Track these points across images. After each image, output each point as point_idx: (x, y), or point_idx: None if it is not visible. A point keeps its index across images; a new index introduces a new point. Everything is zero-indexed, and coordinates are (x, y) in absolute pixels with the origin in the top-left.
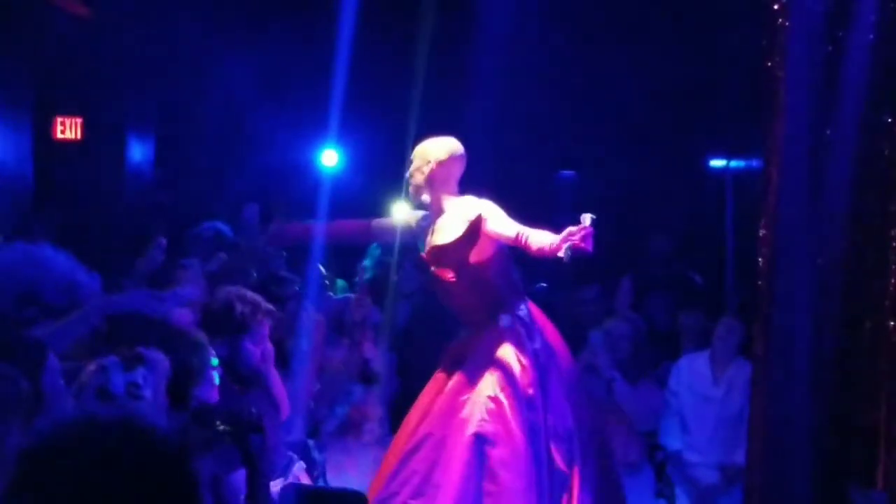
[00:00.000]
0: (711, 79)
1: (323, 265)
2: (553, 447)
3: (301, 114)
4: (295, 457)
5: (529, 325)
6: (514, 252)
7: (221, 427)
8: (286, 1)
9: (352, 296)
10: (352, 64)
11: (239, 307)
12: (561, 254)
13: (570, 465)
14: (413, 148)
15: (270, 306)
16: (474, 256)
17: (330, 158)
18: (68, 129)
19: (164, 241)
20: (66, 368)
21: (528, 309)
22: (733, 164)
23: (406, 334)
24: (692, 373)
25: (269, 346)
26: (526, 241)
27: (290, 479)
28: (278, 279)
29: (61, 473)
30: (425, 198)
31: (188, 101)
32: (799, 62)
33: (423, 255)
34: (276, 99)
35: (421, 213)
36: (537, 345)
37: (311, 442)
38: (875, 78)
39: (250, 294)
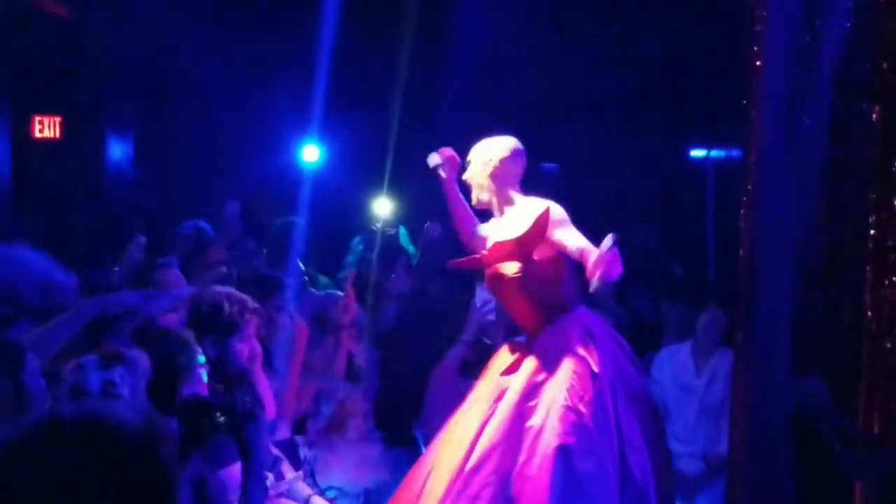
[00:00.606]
0: (691, 69)
1: (304, 262)
2: (630, 458)
3: (282, 110)
4: (281, 456)
5: (597, 332)
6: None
7: (221, 418)
8: None
9: (336, 293)
10: (332, 60)
11: (227, 307)
12: (591, 289)
13: (644, 476)
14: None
15: (256, 304)
16: (538, 254)
17: (311, 154)
18: (47, 128)
19: (143, 239)
20: (55, 369)
21: (592, 315)
22: (713, 154)
23: (392, 332)
24: (675, 363)
25: (258, 346)
26: (585, 259)
27: (277, 478)
28: (260, 277)
29: (26, 475)
30: (484, 196)
31: (167, 99)
32: (777, 51)
33: (483, 254)
34: (257, 96)
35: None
36: (605, 353)
37: (298, 440)
38: (853, 65)
39: (237, 293)
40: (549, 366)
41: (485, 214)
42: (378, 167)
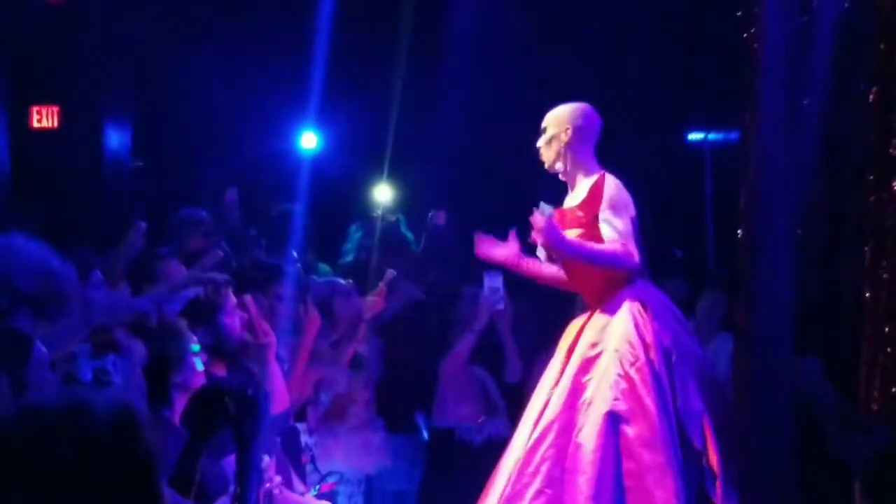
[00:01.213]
0: (689, 51)
1: (303, 249)
2: (688, 426)
3: (280, 97)
4: (277, 440)
5: (652, 305)
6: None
7: (231, 406)
8: None
9: (339, 280)
10: (331, 46)
11: (202, 291)
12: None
13: (703, 443)
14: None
15: (225, 276)
16: (595, 230)
17: (309, 141)
18: (45, 117)
19: (144, 225)
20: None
21: (651, 288)
22: (712, 136)
23: (393, 320)
24: None
25: (272, 338)
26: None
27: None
28: (259, 265)
29: (3, 463)
30: (559, 166)
31: (165, 88)
32: (775, 33)
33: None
34: (255, 83)
35: None
36: (661, 325)
37: (299, 426)
38: (850, 46)
39: (204, 275)
40: (602, 340)
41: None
42: (377, 154)
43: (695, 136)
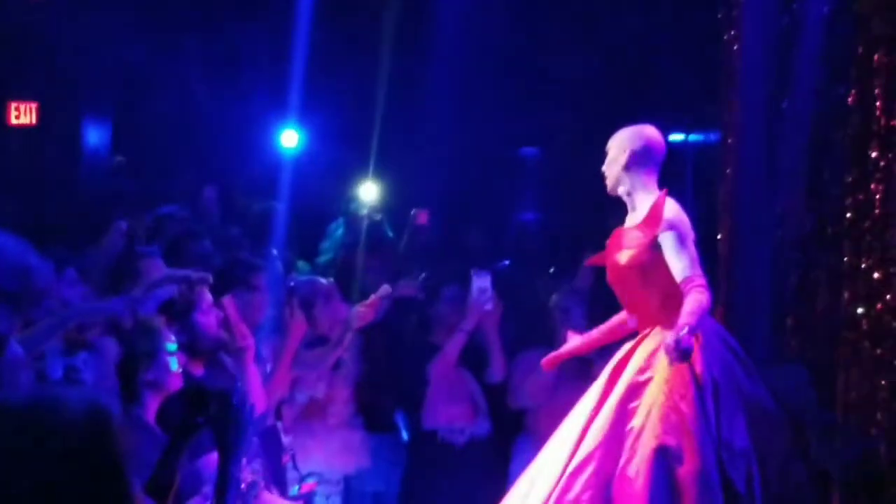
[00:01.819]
0: (669, 53)
1: (284, 247)
2: (727, 463)
3: (260, 95)
4: (255, 440)
5: (704, 333)
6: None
7: (212, 407)
8: None
9: (319, 279)
10: (312, 43)
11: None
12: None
13: (748, 484)
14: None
15: (201, 274)
16: (651, 248)
17: (290, 139)
18: (23, 114)
19: (124, 225)
20: None
21: (710, 322)
22: (692, 138)
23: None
24: None
25: (251, 341)
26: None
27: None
28: (243, 261)
29: None
30: (622, 190)
31: (145, 85)
32: (754, 35)
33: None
34: (235, 80)
35: None
36: (711, 354)
37: (280, 425)
38: (830, 51)
39: (177, 272)
40: (651, 366)
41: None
42: (360, 152)
43: (675, 138)
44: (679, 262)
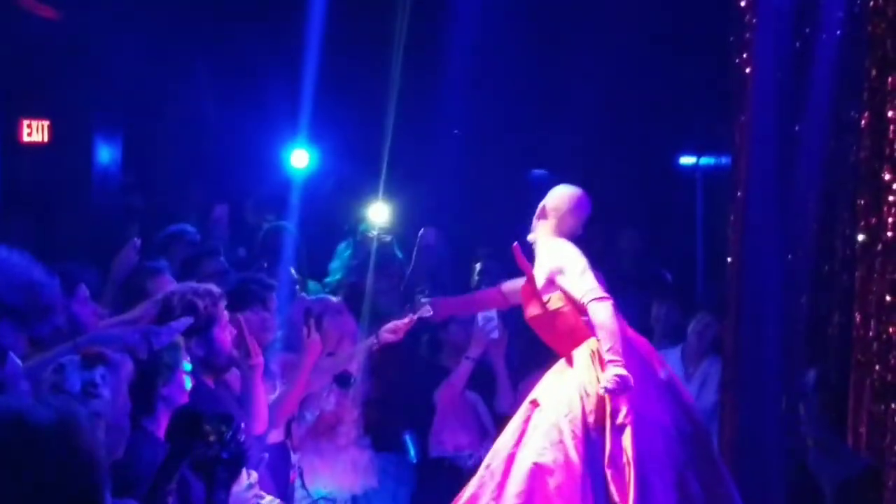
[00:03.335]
0: (681, 76)
1: (295, 267)
2: (610, 475)
3: (271, 114)
4: (265, 456)
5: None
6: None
7: (211, 437)
8: (255, 0)
9: (329, 297)
10: (322, 63)
11: (199, 303)
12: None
13: (624, 494)
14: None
15: (220, 290)
16: (549, 297)
17: (300, 159)
18: (35, 131)
19: (138, 241)
20: None
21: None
22: (703, 161)
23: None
24: None
25: (261, 359)
26: (586, 307)
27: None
28: (259, 281)
29: None
30: (531, 237)
31: (156, 103)
32: (766, 59)
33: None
34: (246, 100)
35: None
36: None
37: (288, 442)
38: (842, 74)
39: (200, 286)
40: (553, 387)
41: None
42: (371, 173)
43: (686, 161)
44: (580, 287)
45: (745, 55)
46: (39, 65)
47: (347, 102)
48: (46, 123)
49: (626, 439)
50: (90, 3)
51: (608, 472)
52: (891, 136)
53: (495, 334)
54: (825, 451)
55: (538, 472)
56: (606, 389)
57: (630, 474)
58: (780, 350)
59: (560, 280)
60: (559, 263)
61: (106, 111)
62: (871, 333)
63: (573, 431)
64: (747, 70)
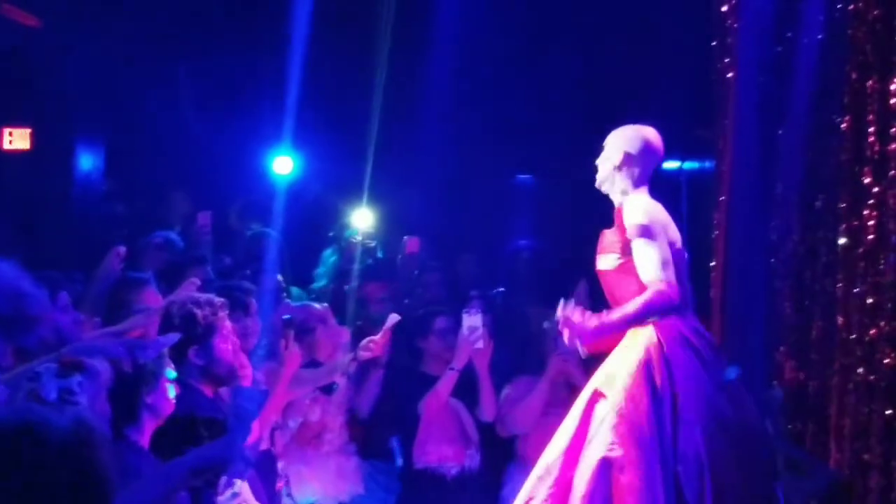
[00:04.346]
0: (664, 80)
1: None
2: (682, 476)
3: (254, 120)
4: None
5: (669, 344)
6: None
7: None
8: (237, 7)
9: (313, 304)
10: (306, 69)
11: (199, 312)
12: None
13: (699, 495)
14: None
15: (222, 299)
16: (625, 256)
17: (284, 166)
18: (17, 139)
19: (123, 249)
20: None
21: (674, 325)
22: (687, 165)
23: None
24: None
25: (248, 368)
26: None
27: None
28: (241, 287)
29: None
30: (609, 188)
31: (138, 110)
32: (748, 63)
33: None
34: (229, 106)
35: None
36: (674, 366)
37: (273, 451)
38: (823, 78)
39: (202, 296)
40: (613, 375)
41: None
42: (355, 179)
43: (670, 165)
44: (644, 266)
45: (727, 60)
46: (21, 72)
47: (331, 108)
48: (28, 131)
49: (697, 436)
50: (72, 10)
51: (679, 469)
52: (871, 139)
53: (480, 344)
54: (793, 467)
55: (607, 468)
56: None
57: (704, 474)
58: (763, 353)
59: (633, 253)
60: (636, 237)
61: (88, 118)
62: (853, 336)
63: (641, 423)
64: (729, 74)
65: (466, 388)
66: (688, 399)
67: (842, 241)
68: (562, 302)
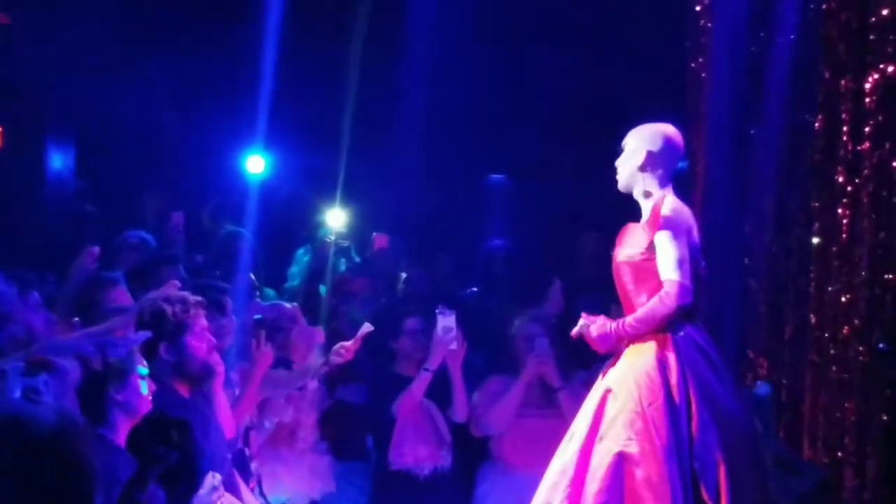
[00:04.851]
0: (638, 80)
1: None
2: (699, 474)
3: (227, 120)
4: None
5: (682, 347)
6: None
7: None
8: (209, 5)
9: (283, 304)
10: (279, 68)
11: (169, 309)
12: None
13: (716, 494)
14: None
15: (199, 297)
16: (649, 253)
17: (256, 165)
18: None
19: (97, 249)
20: None
21: (688, 330)
22: None
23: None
24: None
25: (222, 367)
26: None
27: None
28: (216, 287)
29: None
30: (634, 189)
31: (110, 108)
32: (722, 63)
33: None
34: (201, 105)
35: None
36: (688, 366)
37: (247, 451)
38: (796, 77)
39: (176, 293)
40: (626, 374)
41: None
42: (328, 178)
43: None
44: (663, 262)
45: (700, 59)
46: None
47: (304, 108)
48: None
49: (712, 435)
50: (43, 7)
51: (696, 466)
52: (844, 138)
53: (454, 345)
54: (782, 465)
55: (623, 463)
56: (582, 327)
57: (721, 472)
58: (738, 351)
59: (656, 247)
60: (661, 228)
61: (59, 116)
62: (827, 334)
63: (657, 419)
64: (703, 74)
65: (438, 389)
66: (702, 400)
67: (815, 239)
68: (584, 315)
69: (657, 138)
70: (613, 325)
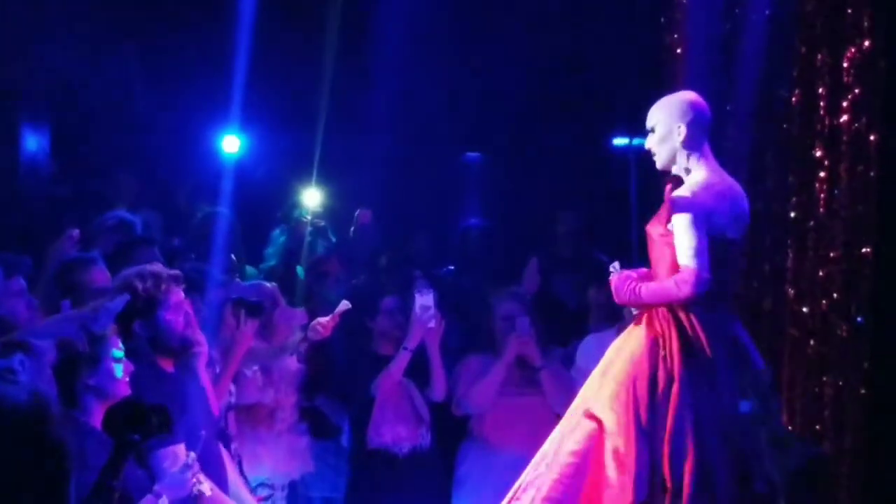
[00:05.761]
0: (612, 57)
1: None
2: (671, 458)
3: (202, 100)
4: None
5: (682, 335)
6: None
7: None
8: None
9: (264, 283)
10: (253, 48)
11: (140, 285)
12: None
13: (679, 484)
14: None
15: (174, 271)
16: (667, 230)
17: (231, 145)
18: None
19: (76, 232)
20: None
21: (696, 318)
22: (636, 141)
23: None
24: (600, 350)
25: (205, 346)
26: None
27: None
28: (196, 268)
29: None
30: (676, 168)
31: (84, 90)
32: (697, 39)
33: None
34: (176, 86)
35: None
36: (684, 356)
37: (229, 432)
38: (772, 53)
39: (149, 268)
40: (622, 349)
41: None
42: (304, 157)
43: (619, 142)
44: (680, 248)
45: (675, 35)
46: None
47: (279, 87)
48: None
49: (687, 423)
50: None
51: (665, 450)
52: (822, 112)
53: (432, 324)
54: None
55: (598, 431)
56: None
57: (689, 460)
58: None
59: (674, 230)
60: (676, 212)
61: (33, 99)
62: (805, 309)
63: (639, 394)
64: (678, 50)
65: (416, 368)
66: (688, 385)
67: (792, 214)
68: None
69: (686, 109)
70: (632, 284)
